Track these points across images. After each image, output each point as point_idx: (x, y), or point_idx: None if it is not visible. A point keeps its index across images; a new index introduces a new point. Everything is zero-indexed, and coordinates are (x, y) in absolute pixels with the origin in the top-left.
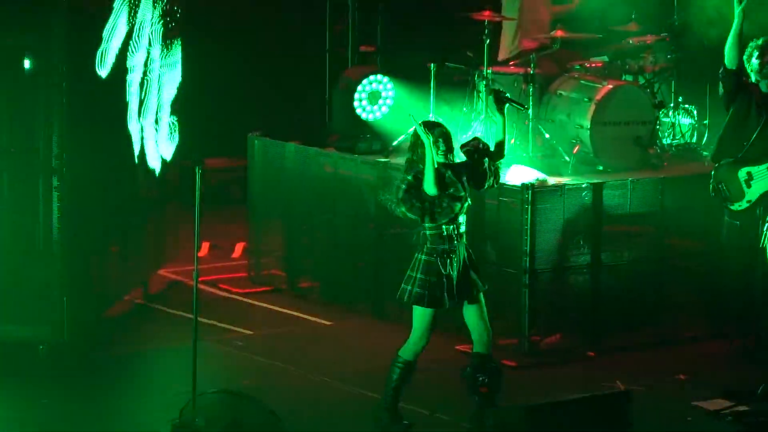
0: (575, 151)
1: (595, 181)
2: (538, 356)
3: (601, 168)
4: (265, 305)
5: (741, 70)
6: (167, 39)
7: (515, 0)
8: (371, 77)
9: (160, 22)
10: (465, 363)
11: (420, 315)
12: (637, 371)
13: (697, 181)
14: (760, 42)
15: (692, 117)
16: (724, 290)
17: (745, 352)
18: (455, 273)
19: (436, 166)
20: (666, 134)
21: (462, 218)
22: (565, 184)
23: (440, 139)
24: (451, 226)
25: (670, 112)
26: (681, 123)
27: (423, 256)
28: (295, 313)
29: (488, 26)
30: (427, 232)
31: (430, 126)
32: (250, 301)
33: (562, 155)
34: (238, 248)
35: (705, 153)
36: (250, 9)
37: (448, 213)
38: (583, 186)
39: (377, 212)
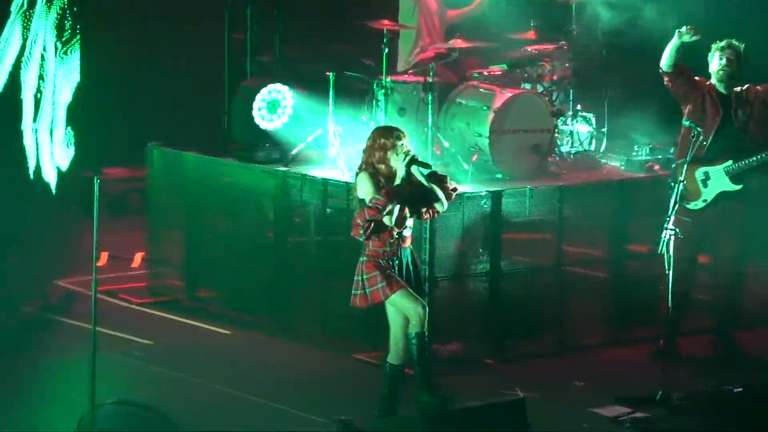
0: (474, 159)
1: (494, 189)
2: (438, 364)
3: (500, 176)
4: (164, 315)
5: (684, 69)
6: (63, 46)
7: (412, 10)
8: (270, 86)
9: (55, 31)
10: (363, 370)
11: (393, 313)
12: (536, 378)
13: (596, 189)
14: (722, 44)
15: (590, 125)
16: (624, 297)
17: (651, 356)
18: (397, 276)
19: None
20: (564, 142)
21: (408, 223)
22: (464, 192)
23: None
24: (395, 232)
25: (569, 120)
26: (579, 131)
27: (364, 258)
28: (195, 323)
29: (387, 35)
30: (360, 239)
31: (399, 134)
32: (149, 311)
33: (461, 163)
34: (138, 258)
35: (603, 161)
36: (148, 18)
37: (383, 229)
38: (482, 194)
39: (277, 221)
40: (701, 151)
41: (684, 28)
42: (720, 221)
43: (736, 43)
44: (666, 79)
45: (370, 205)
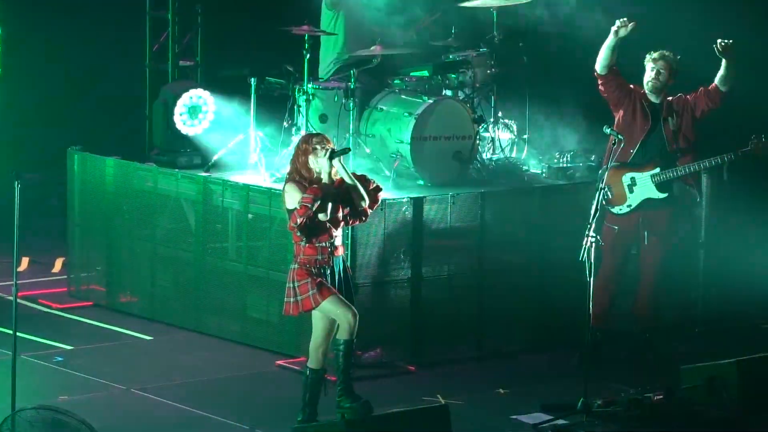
0: (396, 165)
1: (416, 195)
2: (360, 370)
3: (421, 182)
4: (85, 320)
5: (617, 74)
6: None
7: (334, 17)
8: (191, 92)
9: None
10: (284, 376)
11: (318, 318)
12: (457, 385)
13: (517, 195)
14: (654, 55)
15: (512, 132)
16: (545, 303)
17: (573, 362)
18: (328, 283)
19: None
20: (486, 149)
21: (338, 232)
22: (385, 199)
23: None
24: (326, 241)
25: (490, 127)
26: (500, 138)
27: (296, 266)
28: (115, 328)
29: (308, 41)
30: (302, 243)
31: (320, 138)
32: (69, 316)
33: (383, 170)
34: (58, 263)
35: (524, 167)
36: (70, 24)
37: (321, 231)
38: (404, 200)
39: (197, 227)
40: (627, 157)
41: (619, 22)
42: (645, 229)
43: (669, 54)
44: (600, 82)
45: (299, 206)
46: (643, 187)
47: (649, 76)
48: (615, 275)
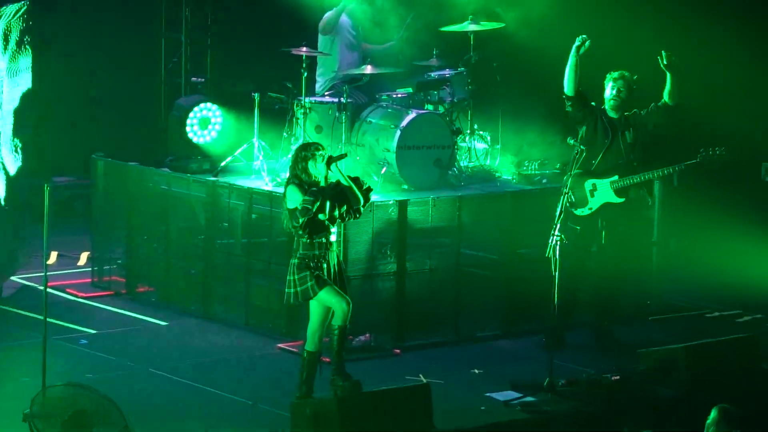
0: (383, 171)
1: (401, 198)
2: (351, 352)
3: (405, 187)
4: (107, 308)
5: (583, 95)
6: (13, 50)
7: (331, 41)
8: (201, 105)
9: (3, 36)
10: (284, 358)
11: (315, 306)
12: (437, 366)
13: (491, 199)
14: (614, 75)
15: (486, 142)
16: (516, 295)
17: (539, 346)
18: (324, 275)
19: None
20: (463, 157)
21: (333, 229)
22: (373, 202)
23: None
24: (323, 236)
25: (467, 138)
26: (476, 147)
27: (295, 260)
28: (134, 315)
29: (305, 61)
30: (301, 240)
31: (317, 146)
32: (93, 303)
33: (371, 175)
34: (83, 257)
35: (497, 174)
36: (94, 44)
37: (320, 228)
38: (390, 203)
39: (207, 225)
40: (590, 166)
41: (578, 41)
42: (604, 229)
43: (627, 74)
44: (569, 103)
45: (300, 207)
46: (603, 192)
47: (609, 94)
48: (577, 270)
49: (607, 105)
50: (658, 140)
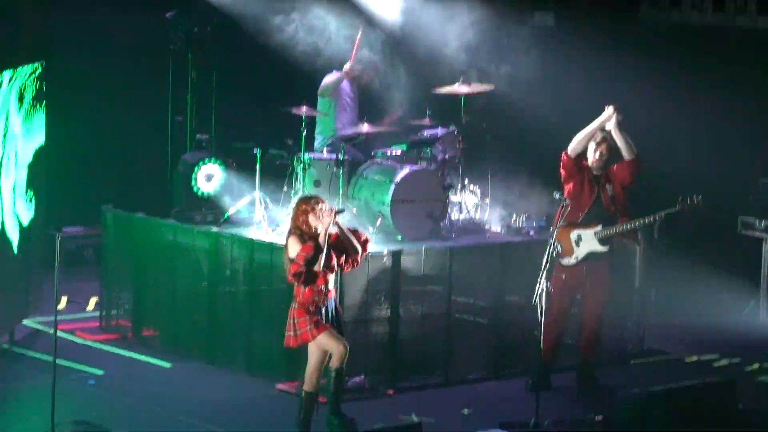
0: (378, 224)
1: (395, 248)
2: (347, 393)
3: (399, 238)
4: (114, 350)
5: (579, 158)
6: (28, 109)
7: (329, 102)
8: (206, 160)
9: (18, 100)
10: (283, 398)
11: (313, 349)
12: (429, 406)
13: (480, 250)
14: (597, 138)
15: (476, 196)
16: (504, 339)
17: (526, 388)
18: (323, 320)
19: (324, 248)
20: (454, 211)
21: (331, 277)
22: (369, 252)
23: (320, 206)
24: (322, 283)
25: (458, 193)
26: (466, 202)
27: (295, 305)
28: (140, 357)
29: (305, 120)
30: (301, 288)
31: (316, 200)
32: (101, 346)
33: (367, 227)
34: (92, 302)
35: (486, 226)
36: (104, 99)
37: (318, 276)
38: (384, 253)
39: (210, 273)
40: (576, 219)
41: (605, 114)
42: (588, 276)
43: (608, 136)
44: (564, 161)
45: (296, 260)
46: (587, 242)
47: (593, 157)
48: (562, 316)
49: (593, 166)
50: (635, 192)
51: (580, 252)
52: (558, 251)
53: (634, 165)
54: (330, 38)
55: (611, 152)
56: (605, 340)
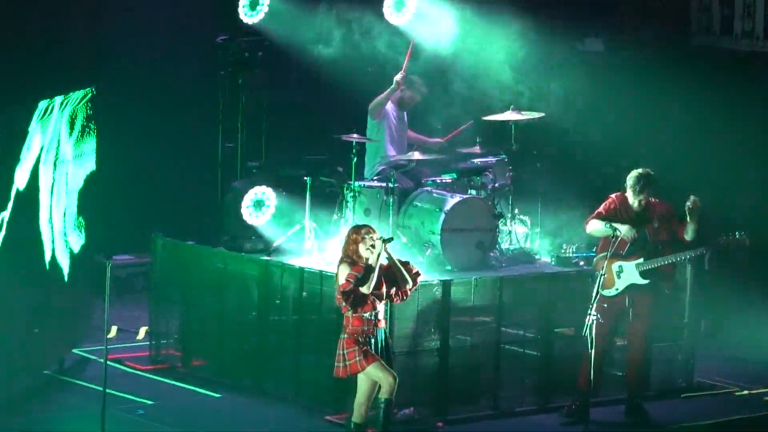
0: (428, 253)
1: (445, 278)
2: (395, 425)
3: (449, 268)
4: (164, 380)
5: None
6: (78, 134)
7: (377, 126)
8: (256, 188)
9: (69, 127)
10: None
11: (362, 379)
12: None
13: (530, 280)
14: (637, 188)
15: (526, 226)
16: (553, 371)
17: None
18: (372, 350)
19: (376, 271)
20: (504, 240)
21: (381, 307)
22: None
23: (371, 235)
24: (372, 313)
25: (508, 222)
26: (517, 231)
27: (345, 335)
28: (189, 387)
29: (355, 146)
30: (350, 315)
31: (372, 230)
32: (151, 376)
33: (417, 256)
34: (142, 331)
35: (537, 256)
36: (156, 129)
37: (369, 307)
38: (434, 282)
39: (259, 302)
40: (622, 250)
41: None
42: (631, 307)
43: (648, 172)
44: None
45: (346, 280)
46: (628, 274)
47: (634, 202)
48: (603, 347)
49: (633, 207)
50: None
51: (621, 284)
52: (601, 282)
53: (686, 243)
54: (380, 64)
55: (651, 190)
56: (654, 373)
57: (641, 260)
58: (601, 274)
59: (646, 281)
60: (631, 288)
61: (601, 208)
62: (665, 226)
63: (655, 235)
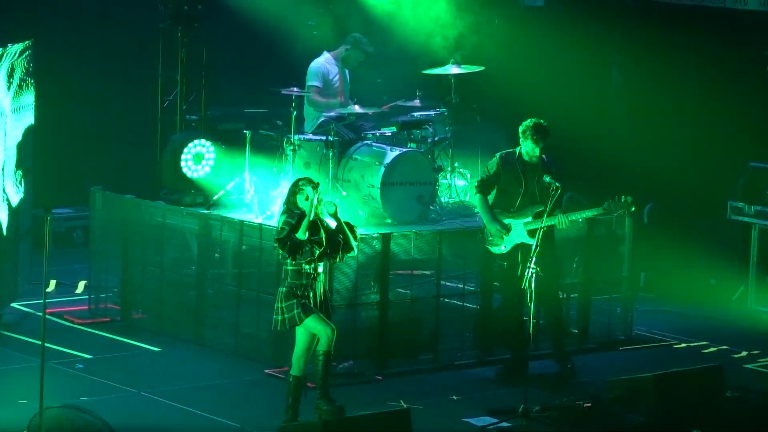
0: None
1: (384, 231)
2: (335, 378)
3: (389, 221)
4: (102, 333)
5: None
6: (17, 88)
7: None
8: (195, 141)
9: (7, 79)
10: (270, 383)
11: (301, 332)
12: (417, 392)
13: (469, 234)
14: (536, 137)
15: (466, 179)
16: (492, 324)
17: (500, 376)
18: (311, 304)
19: (311, 218)
20: (444, 193)
21: (320, 263)
22: (358, 234)
23: (319, 193)
24: (310, 266)
25: (448, 175)
26: (456, 184)
27: (284, 289)
28: (128, 341)
29: (295, 100)
30: (289, 268)
31: (309, 182)
32: (89, 330)
33: (357, 210)
34: (81, 285)
35: (476, 209)
36: (94, 81)
37: (307, 255)
38: (374, 236)
39: (199, 256)
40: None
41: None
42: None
43: (539, 124)
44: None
45: (281, 227)
46: (515, 232)
47: (532, 151)
48: (517, 302)
49: (527, 158)
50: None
51: (509, 242)
52: (489, 240)
53: None
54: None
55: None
56: (594, 326)
57: (529, 218)
58: (542, 227)
59: (534, 240)
60: (519, 247)
61: (480, 178)
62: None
63: (543, 190)
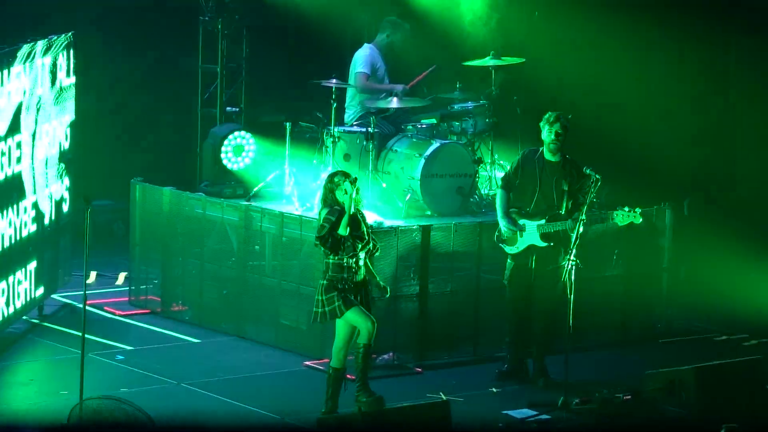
0: (407, 198)
1: (424, 224)
2: (374, 370)
3: (429, 213)
4: (143, 325)
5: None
6: (60, 83)
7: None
8: (236, 133)
9: (51, 75)
10: (310, 375)
11: (341, 325)
12: (456, 384)
13: None
14: (551, 119)
15: (506, 171)
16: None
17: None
18: (351, 296)
19: (352, 212)
20: (484, 185)
21: (362, 254)
22: (398, 227)
23: (359, 188)
24: (352, 260)
25: (488, 167)
26: (496, 176)
27: (324, 281)
28: (168, 332)
29: (335, 92)
30: (330, 261)
31: (345, 176)
32: (130, 321)
33: (396, 202)
34: (121, 277)
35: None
36: (136, 75)
37: (350, 250)
38: (414, 228)
39: (239, 248)
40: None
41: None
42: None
43: (562, 115)
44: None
45: (321, 224)
46: (528, 234)
47: (549, 137)
48: (521, 304)
49: (548, 149)
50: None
51: (522, 243)
52: (503, 239)
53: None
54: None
55: (567, 133)
56: (634, 318)
57: (543, 221)
58: (581, 219)
59: (545, 244)
60: (533, 248)
61: (504, 173)
62: (574, 188)
63: (560, 195)
